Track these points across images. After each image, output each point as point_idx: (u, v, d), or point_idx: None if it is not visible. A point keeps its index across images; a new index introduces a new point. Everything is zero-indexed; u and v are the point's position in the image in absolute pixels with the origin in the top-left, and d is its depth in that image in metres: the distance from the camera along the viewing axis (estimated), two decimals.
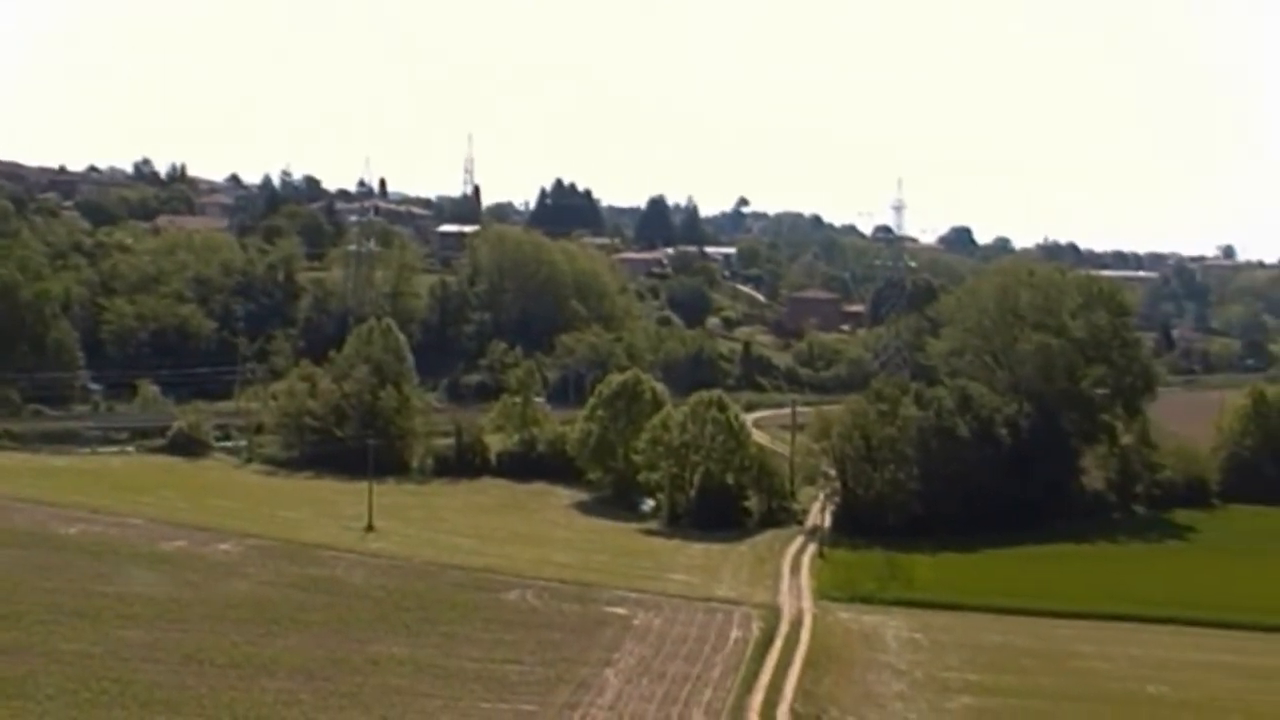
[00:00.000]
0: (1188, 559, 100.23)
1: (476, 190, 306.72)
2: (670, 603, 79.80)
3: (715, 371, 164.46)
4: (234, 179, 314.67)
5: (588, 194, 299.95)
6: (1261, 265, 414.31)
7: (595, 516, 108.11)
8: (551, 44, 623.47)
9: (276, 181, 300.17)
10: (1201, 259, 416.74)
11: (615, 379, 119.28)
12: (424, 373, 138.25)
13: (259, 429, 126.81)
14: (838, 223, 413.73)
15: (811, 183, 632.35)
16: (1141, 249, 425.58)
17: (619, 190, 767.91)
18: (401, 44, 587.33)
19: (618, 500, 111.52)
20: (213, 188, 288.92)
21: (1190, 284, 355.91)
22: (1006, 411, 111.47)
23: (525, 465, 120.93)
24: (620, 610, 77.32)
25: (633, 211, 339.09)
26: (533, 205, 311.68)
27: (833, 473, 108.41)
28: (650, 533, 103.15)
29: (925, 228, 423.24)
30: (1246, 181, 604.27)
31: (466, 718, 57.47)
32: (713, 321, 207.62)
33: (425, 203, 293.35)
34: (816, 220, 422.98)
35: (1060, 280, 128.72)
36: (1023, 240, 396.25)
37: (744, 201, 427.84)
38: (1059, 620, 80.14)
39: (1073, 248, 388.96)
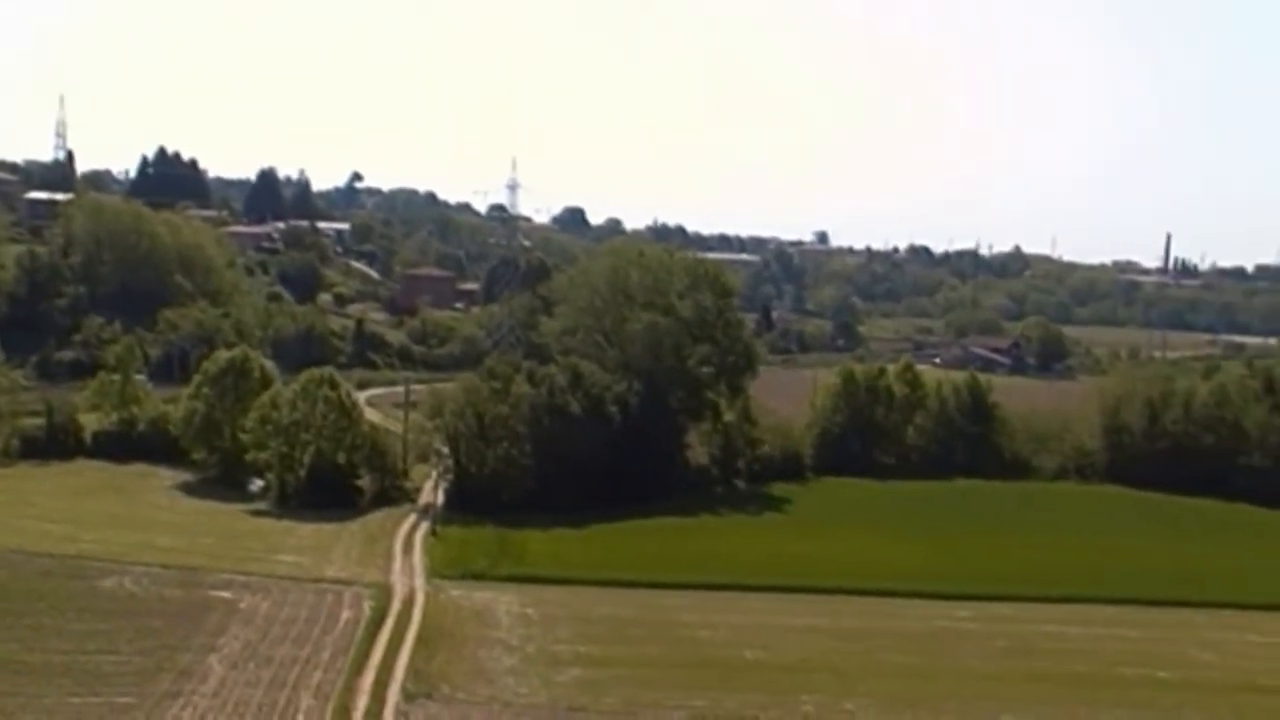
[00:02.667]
0: (784, 530, 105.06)
1: (70, 156, 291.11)
2: (279, 585, 77.76)
3: (327, 349, 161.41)
4: None
5: (193, 164, 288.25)
6: (851, 251, 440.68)
7: (200, 498, 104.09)
8: (152, 3, 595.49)
9: None
10: (799, 244, 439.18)
11: (222, 356, 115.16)
12: (10, 349, 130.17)
13: None
14: (453, 200, 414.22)
15: (426, 160, 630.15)
16: (745, 233, 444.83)
17: (227, 161, 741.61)
18: None
19: (225, 481, 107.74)
20: None
21: (789, 267, 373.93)
22: (617, 389, 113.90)
23: (125, 446, 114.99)
24: (226, 594, 74.80)
25: (242, 184, 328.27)
26: (133, 174, 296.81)
27: (446, 450, 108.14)
28: (259, 513, 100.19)
29: (539, 207, 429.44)
30: (839, 172, 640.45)
31: (52, 715, 54.19)
32: (324, 298, 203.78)
33: (11, 167, 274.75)
34: (431, 197, 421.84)
35: (669, 261, 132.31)
36: (634, 222, 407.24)
37: (358, 177, 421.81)
38: (665, 591, 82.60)
39: (681, 230, 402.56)
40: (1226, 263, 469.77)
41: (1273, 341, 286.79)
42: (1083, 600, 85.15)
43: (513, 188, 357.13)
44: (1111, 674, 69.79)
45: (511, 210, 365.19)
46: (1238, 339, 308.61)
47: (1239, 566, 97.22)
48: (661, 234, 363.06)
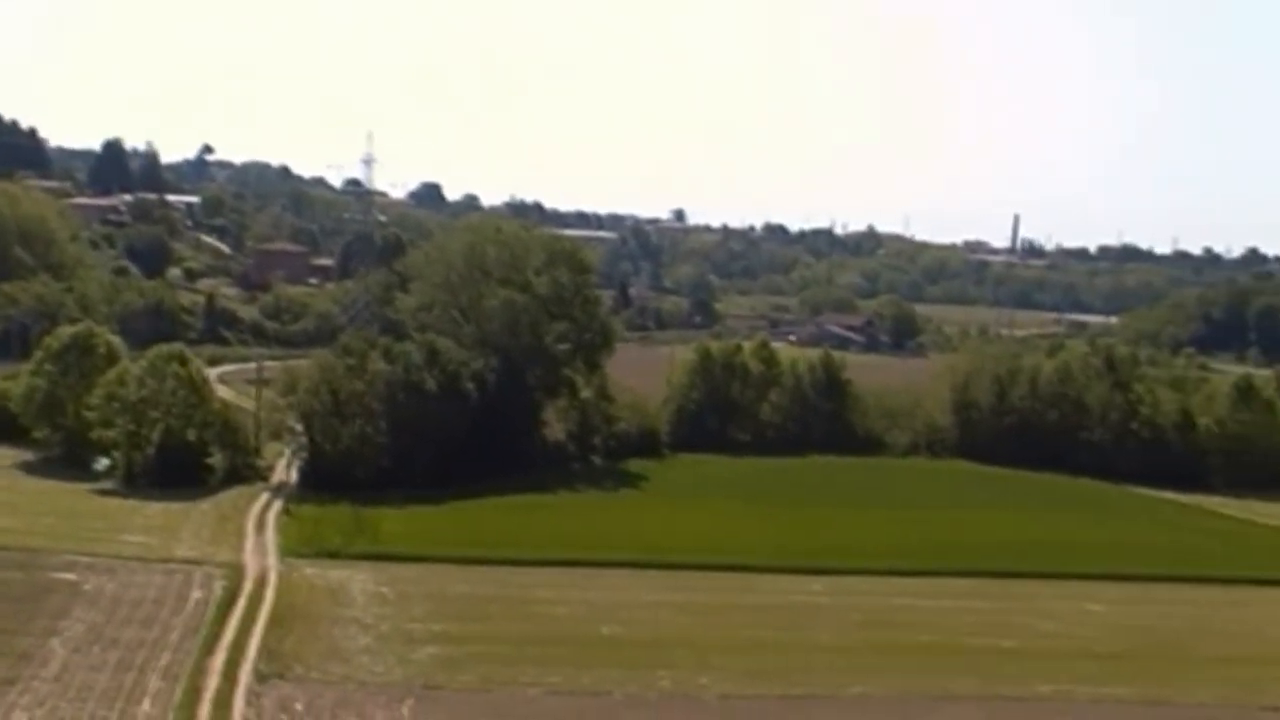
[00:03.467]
0: (641, 506, 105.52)
1: None
2: (125, 565, 75.87)
3: (176, 324, 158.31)
4: None
5: (33, 133, 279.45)
6: (708, 229, 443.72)
7: (43, 477, 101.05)
8: None
9: None
10: (656, 221, 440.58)
11: (65, 331, 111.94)
12: None
13: None
14: (307, 175, 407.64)
15: (280, 133, 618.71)
16: (603, 210, 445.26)
17: (69, 131, 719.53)
18: None
19: (68, 460, 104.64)
20: None
21: (646, 245, 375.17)
22: (473, 366, 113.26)
23: None
24: (69, 576, 72.74)
25: (86, 154, 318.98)
26: None
27: (299, 428, 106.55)
28: (105, 493, 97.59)
29: (395, 183, 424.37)
30: (696, 150, 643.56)
31: None
32: (174, 273, 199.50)
33: None
34: (285, 171, 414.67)
35: (526, 238, 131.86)
36: (491, 198, 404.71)
37: (208, 149, 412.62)
38: (522, 568, 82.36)
39: (539, 207, 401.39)
40: (1071, 244, 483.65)
41: (1113, 320, 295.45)
42: (933, 573, 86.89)
43: (368, 162, 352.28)
44: (959, 644, 71.40)
45: (367, 185, 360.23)
46: (1081, 318, 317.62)
47: (1080, 538, 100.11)
48: (519, 210, 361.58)
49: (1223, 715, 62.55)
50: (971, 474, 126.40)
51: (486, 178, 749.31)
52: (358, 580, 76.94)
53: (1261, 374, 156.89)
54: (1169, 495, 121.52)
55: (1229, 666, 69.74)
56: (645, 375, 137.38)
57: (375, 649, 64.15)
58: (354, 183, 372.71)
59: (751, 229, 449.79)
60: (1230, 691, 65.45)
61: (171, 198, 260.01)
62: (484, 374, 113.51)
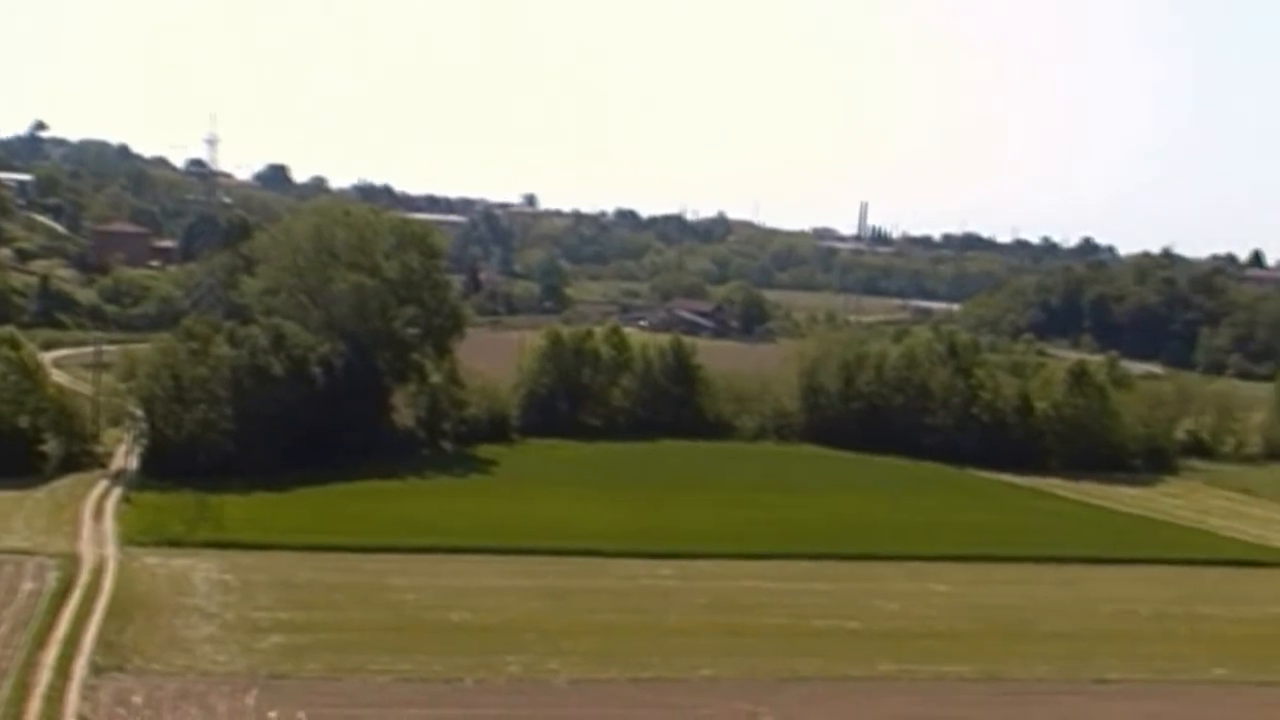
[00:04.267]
0: (490, 491, 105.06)
1: None
2: None
3: (8, 307, 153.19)
4: None
5: None
6: (559, 214, 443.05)
7: None
8: None
9: None
10: (507, 206, 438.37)
11: None
12: None
13: None
14: (147, 154, 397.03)
15: (118, 111, 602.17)
16: (453, 194, 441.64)
17: None
18: None
19: None
20: None
21: (496, 229, 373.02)
22: (321, 351, 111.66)
23: None
24: None
25: None
26: None
27: (140, 414, 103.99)
28: None
29: (240, 164, 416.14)
30: (546, 134, 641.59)
31: None
32: (5, 253, 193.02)
33: None
34: (124, 150, 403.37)
35: (375, 221, 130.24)
36: (339, 180, 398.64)
37: (41, 125, 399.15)
38: (370, 555, 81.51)
39: (388, 190, 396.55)
40: (917, 232, 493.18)
41: (956, 307, 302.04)
42: (780, 556, 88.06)
43: (211, 142, 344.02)
44: (806, 626, 72.48)
45: (211, 166, 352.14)
46: (925, 304, 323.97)
47: (924, 521, 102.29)
48: (368, 193, 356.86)
49: (1056, 689, 64.47)
50: (819, 458, 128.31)
51: (334, 160, 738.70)
52: (201, 569, 75.40)
53: (1095, 360, 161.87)
54: (1008, 478, 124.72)
55: (1063, 642, 71.92)
56: (496, 360, 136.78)
57: (219, 638, 62.94)
58: (197, 163, 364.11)
59: (603, 214, 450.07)
60: (1064, 666, 67.54)
61: (3, 175, 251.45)
62: (331, 359, 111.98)
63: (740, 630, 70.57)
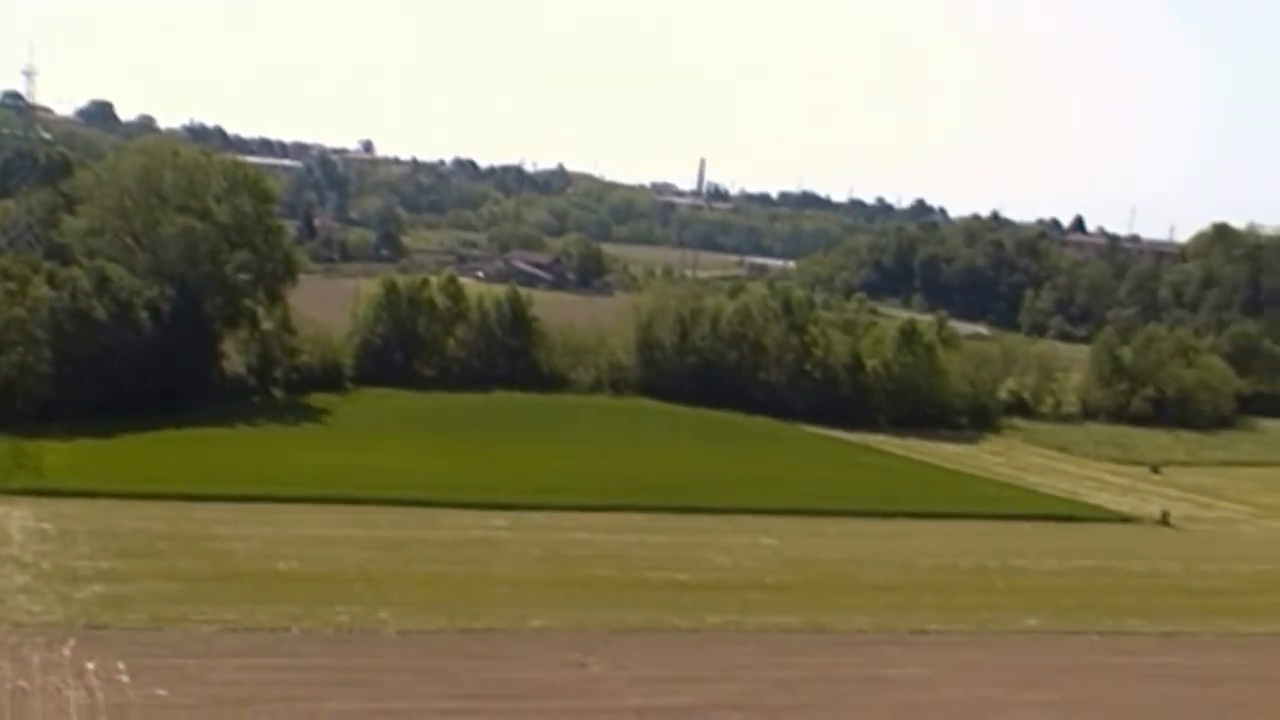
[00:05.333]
0: (322, 440, 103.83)
1: None
2: None
3: None
4: None
5: None
6: (397, 161, 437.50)
7: None
8: None
9: None
10: (343, 151, 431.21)
11: None
12: None
13: None
14: None
15: None
16: (288, 138, 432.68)
17: None
18: None
19: None
20: None
21: (332, 175, 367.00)
22: (148, 294, 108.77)
23: None
24: None
25: None
26: None
27: None
28: None
29: (61, 99, 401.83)
30: (384, 79, 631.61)
31: None
32: None
33: None
34: None
35: (206, 163, 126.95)
36: (168, 120, 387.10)
37: None
38: (197, 503, 79.87)
39: (220, 131, 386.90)
40: (755, 189, 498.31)
41: (792, 265, 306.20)
42: (612, 509, 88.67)
43: (29, 74, 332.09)
44: (636, 577, 73.20)
45: (28, 99, 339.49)
46: (762, 261, 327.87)
47: (754, 475, 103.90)
48: (199, 134, 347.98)
49: (876, 639, 66.25)
50: (653, 411, 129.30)
51: (163, 99, 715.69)
52: (16, 517, 73.19)
53: (924, 319, 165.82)
54: (837, 433, 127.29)
55: (885, 594, 73.91)
56: (330, 308, 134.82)
57: (34, 588, 61.24)
58: (14, 96, 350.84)
59: (441, 163, 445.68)
60: (884, 617, 69.42)
61: None
62: (159, 303, 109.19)
63: (571, 581, 70.97)
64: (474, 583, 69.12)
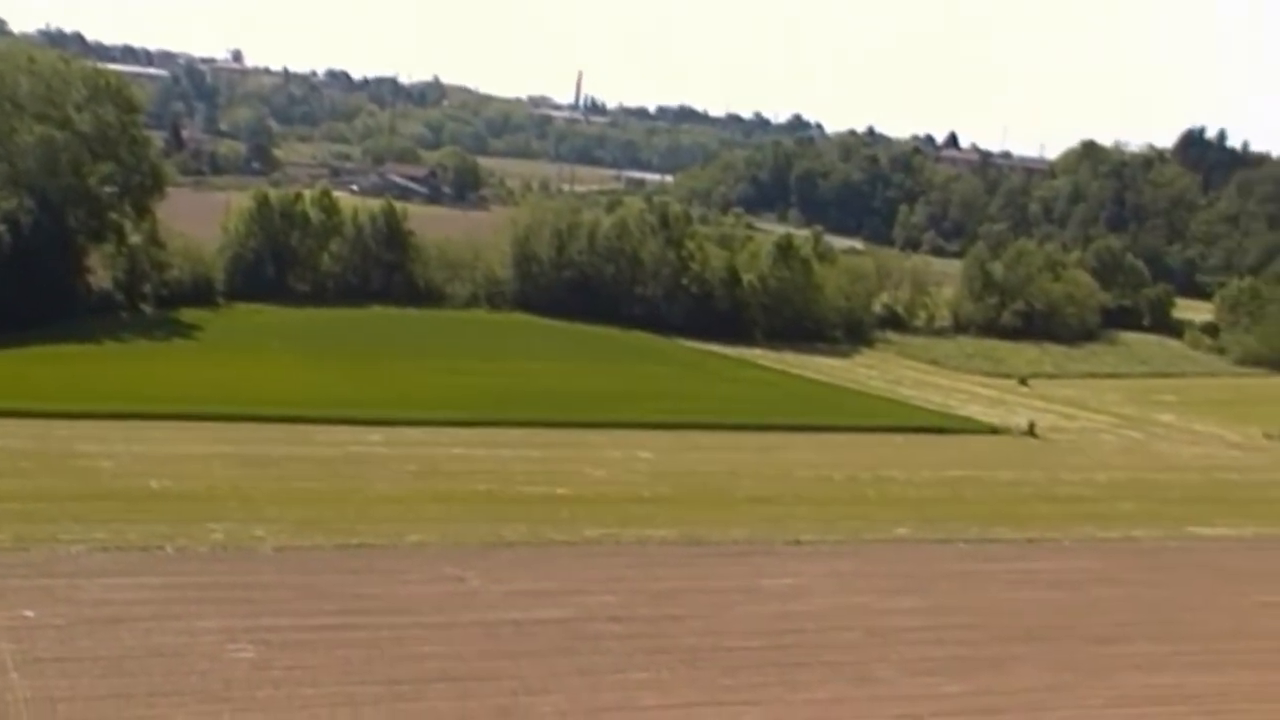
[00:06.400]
0: (193, 356, 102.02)
1: None
2: None
3: None
4: None
5: None
6: (268, 72, 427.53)
7: None
8: None
9: None
10: (211, 61, 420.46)
11: None
12: None
13: None
14: None
15: None
16: (153, 46, 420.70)
17: None
18: None
19: None
20: None
21: (201, 85, 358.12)
22: (5, 207, 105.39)
23: None
24: None
25: None
26: None
27: None
28: None
29: None
30: None
31: None
32: None
33: None
34: None
35: (65, 70, 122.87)
36: (22, 24, 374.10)
37: None
38: (63, 421, 78.01)
39: (79, 38, 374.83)
40: (632, 103, 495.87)
41: (669, 179, 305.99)
42: (489, 424, 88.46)
43: None
44: (514, 492, 73.27)
45: None
46: (639, 175, 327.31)
47: (631, 389, 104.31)
48: (56, 40, 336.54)
49: (752, 550, 67.19)
50: (530, 326, 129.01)
51: (15, 2, 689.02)
52: None
53: (801, 234, 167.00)
54: (714, 347, 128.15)
55: (761, 506, 74.91)
56: (200, 222, 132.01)
57: None
58: None
59: (313, 74, 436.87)
60: (760, 528, 70.41)
61: None
62: (17, 215, 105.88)
63: (448, 497, 70.85)
64: (350, 499, 68.66)
